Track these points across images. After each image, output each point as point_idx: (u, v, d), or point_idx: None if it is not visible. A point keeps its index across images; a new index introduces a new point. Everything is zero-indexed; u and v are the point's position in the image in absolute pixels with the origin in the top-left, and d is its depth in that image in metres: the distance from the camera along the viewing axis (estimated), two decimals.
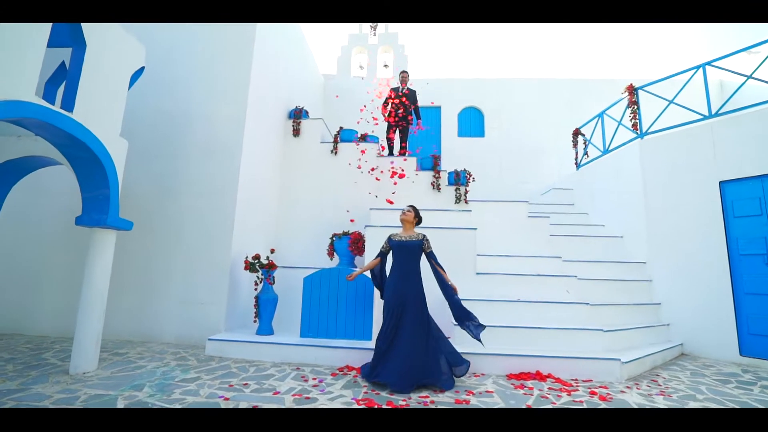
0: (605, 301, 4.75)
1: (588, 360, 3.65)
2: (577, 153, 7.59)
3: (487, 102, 9.30)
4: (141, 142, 4.94)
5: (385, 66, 9.66)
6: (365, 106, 8.96)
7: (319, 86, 9.19)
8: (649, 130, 5.63)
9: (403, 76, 6.76)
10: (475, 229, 4.96)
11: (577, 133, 7.51)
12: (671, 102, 5.52)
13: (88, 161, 3.30)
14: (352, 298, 4.34)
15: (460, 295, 3.71)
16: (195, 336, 4.44)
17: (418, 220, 3.73)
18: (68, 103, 3.08)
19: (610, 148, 6.49)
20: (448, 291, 3.47)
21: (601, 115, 6.87)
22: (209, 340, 4.05)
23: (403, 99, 6.64)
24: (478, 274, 4.80)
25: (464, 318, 3.46)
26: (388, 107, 6.72)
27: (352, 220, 5.94)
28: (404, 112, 6.64)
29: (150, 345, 4.37)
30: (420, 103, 7.89)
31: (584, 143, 7.39)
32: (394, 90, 6.79)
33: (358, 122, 8.59)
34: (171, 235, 4.79)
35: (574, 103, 9.10)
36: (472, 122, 9.28)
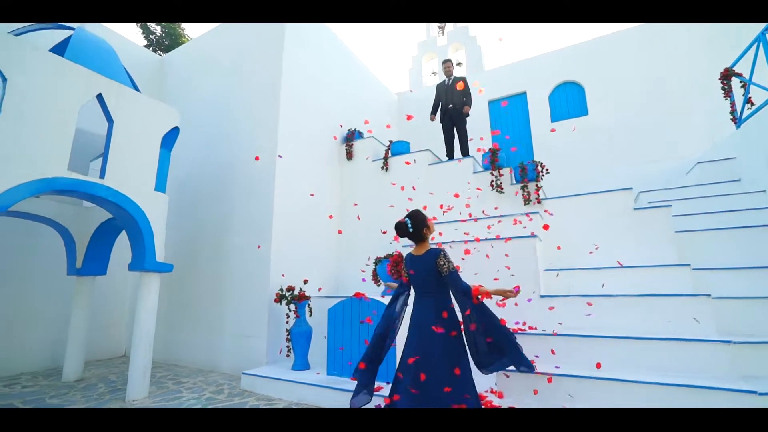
0: (759, 337, 2.83)
1: None
2: (733, 103, 5.11)
3: (585, 72, 7.35)
4: (192, 191, 5.69)
5: (459, 64, 8.85)
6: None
7: (392, 105, 9.00)
8: None
9: (447, 66, 5.94)
10: (535, 236, 3.74)
11: (728, 74, 5.08)
12: None
13: (125, 217, 3.86)
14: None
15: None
16: (244, 367, 4.61)
17: (415, 231, 2.57)
18: (102, 171, 3.70)
19: None
20: (492, 323, 2.47)
21: (762, 38, 4.48)
22: (243, 374, 4.10)
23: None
24: (543, 296, 3.56)
25: (515, 357, 2.50)
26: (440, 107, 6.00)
27: (397, 239, 5.35)
28: (454, 107, 5.79)
29: (211, 375, 4.74)
30: (504, 93, 7.98)
31: (743, 87, 4.92)
32: (441, 86, 6.02)
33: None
34: (220, 271, 5.19)
35: (700, 48, 6.37)
36: (569, 100, 7.46)
